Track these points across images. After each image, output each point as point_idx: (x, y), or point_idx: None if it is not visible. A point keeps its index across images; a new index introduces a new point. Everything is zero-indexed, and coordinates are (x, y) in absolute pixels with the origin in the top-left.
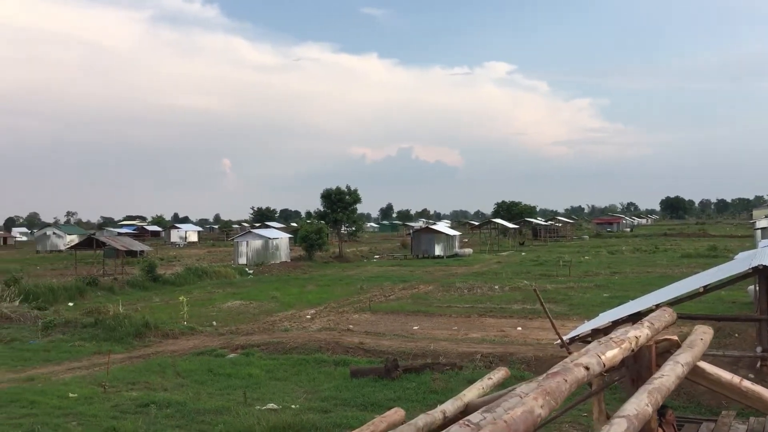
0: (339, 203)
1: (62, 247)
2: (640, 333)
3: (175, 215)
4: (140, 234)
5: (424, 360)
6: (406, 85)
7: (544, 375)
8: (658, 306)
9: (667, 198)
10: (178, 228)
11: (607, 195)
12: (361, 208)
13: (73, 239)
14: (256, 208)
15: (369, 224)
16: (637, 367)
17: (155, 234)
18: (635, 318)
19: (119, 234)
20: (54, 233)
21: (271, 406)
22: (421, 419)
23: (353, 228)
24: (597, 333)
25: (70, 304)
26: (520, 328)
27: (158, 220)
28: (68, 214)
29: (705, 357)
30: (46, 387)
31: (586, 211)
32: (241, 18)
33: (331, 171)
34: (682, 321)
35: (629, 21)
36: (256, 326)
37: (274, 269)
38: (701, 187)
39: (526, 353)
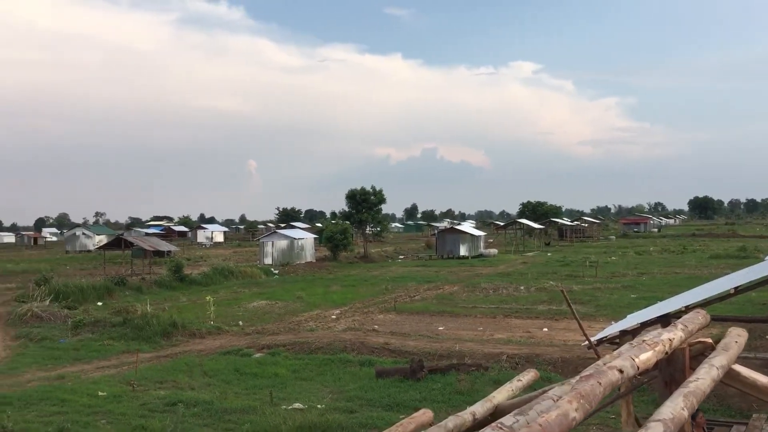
0: (364, 203)
1: (91, 247)
2: (674, 335)
3: (202, 216)
4: (167, 234)
5: (450, 361)
6: (430, 85)
7: (578, 377)
8: (687, 308)
9: (696, 198)
10: (205, 228)
11: (634, 195)
12: (385, 209)
13: (102, 239)
14: (281, 209)
15: (393, 224)
16: (670, 370)
17: (182, 234)
18: (664, 320)
19: (147, 234)
20: (83, 233)
21: (297, 405)
22: (451, 421)
23: (378, 228)
24: (625, 334)
25: (99, 303)
26: (546, 329)
27: (185, 221)
28: (97, 214)
29: (737, 359)
30: (75, 385)
31: (612, 211)
32: (267, 20)
33: (356, 171)
34: (713, 323)
35: (656, 18)
36: (281, 326)
37: (300, 269)
38: (730, 187)
39: (553, 354)
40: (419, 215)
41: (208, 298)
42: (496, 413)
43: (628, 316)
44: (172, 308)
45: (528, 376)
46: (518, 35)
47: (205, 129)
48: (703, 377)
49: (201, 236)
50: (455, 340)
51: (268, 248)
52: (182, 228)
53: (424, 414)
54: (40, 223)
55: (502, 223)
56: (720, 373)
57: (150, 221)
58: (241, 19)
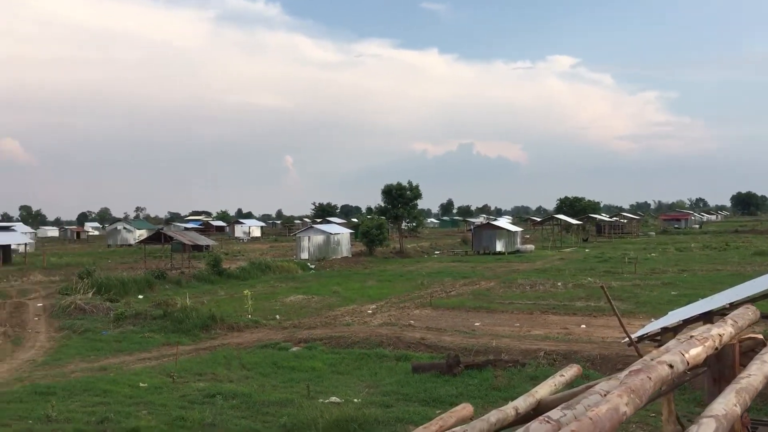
0: (399, 199)
1: (132, 242)
2: (724, 331)
3: (239, 211)
4: (205, 229)
5: (486, 356)
6: (467, 79)
7: (626, 372)
8: (732, 305)
9: (739, 194)
10: (242, 223)
11: (674, 190)
12: (421, 204)
13: (142, 234)
14: (317, 204)
15: (429, 220)
16: (719, 366)
17: (220, 229)
18: (707, 317)
19: (186, 229)
20: (124, 228)
21: (333, 399)
22: (494, 415)
23: (414, 223)
24: (667, 332)
25: (140, 296)
26: (584, 326)
27: (222, 216)
28: (137, 209)
29: None
30: (117, 376)
31: (652, 206)
32: (303, 15)
33: (392, 166)
34: (760, 321)
35: (697, 11)
36: (318, 320)
37: (336, 264)
38: None
39: (591, 351)
40: (455, 211)
41: (245, 292)
42: (539, 408)
43: (670, 313)
44: (210, 302)
45: (571, 371)
46: (556, 29)
47: (243, 125)
48: (755, 373)
49: (238, 231)
50: (492, 335)
51: (305, 243)
52: (220, 223)
53: (465, 408)
54: (83, 218)
55: (538, 219)
56: None
57: (189, 216)
58: (278, 15)
